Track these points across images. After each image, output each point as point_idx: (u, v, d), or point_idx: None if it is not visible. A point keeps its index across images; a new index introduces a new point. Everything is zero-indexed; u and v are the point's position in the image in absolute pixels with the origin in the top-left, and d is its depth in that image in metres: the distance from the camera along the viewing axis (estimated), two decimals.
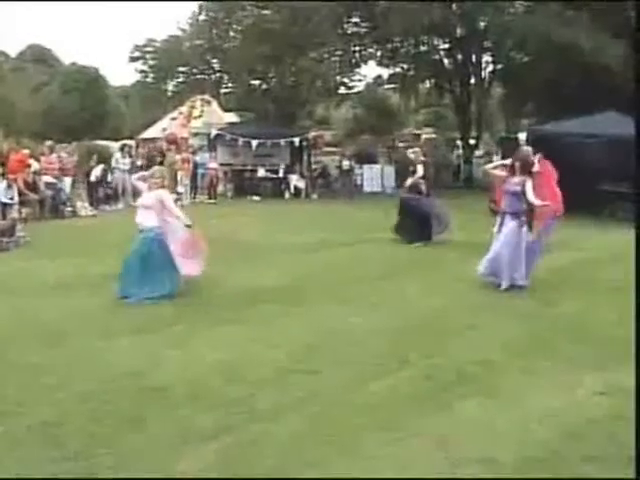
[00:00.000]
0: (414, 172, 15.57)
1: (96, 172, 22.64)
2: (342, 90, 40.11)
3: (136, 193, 13.04)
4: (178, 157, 25.26)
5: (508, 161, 11.72)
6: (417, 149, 16.72)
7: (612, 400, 6.04)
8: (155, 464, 4.88)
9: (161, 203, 9.77)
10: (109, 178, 23.11)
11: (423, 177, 15.44)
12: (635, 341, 6.06)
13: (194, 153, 26.92)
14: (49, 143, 22.53)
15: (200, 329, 8.22)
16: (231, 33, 37.22)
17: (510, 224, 10.40)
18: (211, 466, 4.87)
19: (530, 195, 10.45)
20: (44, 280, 10.83)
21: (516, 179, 10.48)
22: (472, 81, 34.41)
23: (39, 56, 67.15)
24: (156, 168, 10.31)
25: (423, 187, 15.38)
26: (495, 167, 11.78)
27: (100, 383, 6.37)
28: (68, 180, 21.36)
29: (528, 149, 11.25)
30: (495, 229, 10.69)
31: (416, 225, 14.97)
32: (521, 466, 4.90)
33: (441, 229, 15.15)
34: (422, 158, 15.82)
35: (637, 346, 5.95)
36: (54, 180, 20.72)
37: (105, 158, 24.33)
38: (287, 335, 7.99)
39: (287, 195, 27.57)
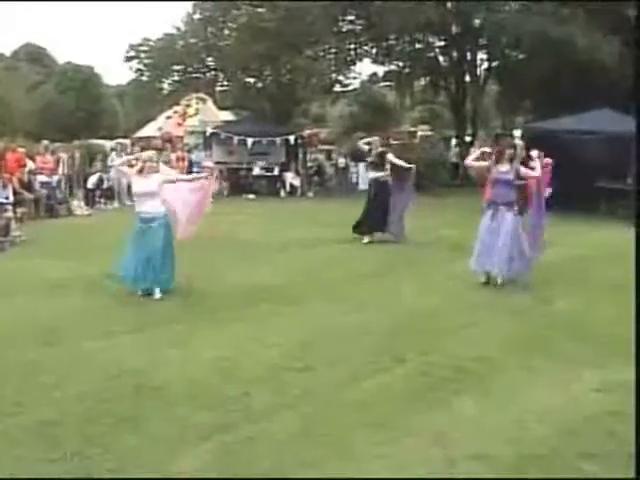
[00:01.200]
0: (374, 164, 15.05)
1: (93, 179, 22.71)
2: (337, 88, 40.02)
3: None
4: (173, 155, 25.24)
5: (487, 149, 11.65)
6: (375, 138, 15.98)
7: (610, 397, 6.06)
8: (152, 463, 4.88)
9: (164, 184, 9.72)
10: (105, 185, 23.11)
11: (391, 169, 14.89)
12: (635, 339, 6.06)
13: (189, 152, 26.91)
14: (45, 142, 22.53)
15: (197, 328, 8.22)
16: (226, 31, 37.11)
17: (507, 216, 10.30)
18: (208, 465, 4.88)
19: (528, 171, 10.52)
20: (41, 279, 10.81)
21: (506, 166, 10.39)
22: (467, 78, 34.42)
23: (34, 55, 67.04)
24: (151, 153, 10.23)
25: (389, 180, 14.87)
26: (476, 158, 11.57)
27: (98, 382, 6.37)
28: (54, 178, 21.34)
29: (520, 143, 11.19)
30: (486, 221, 10.54)
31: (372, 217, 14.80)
32: (518, 463, 4.91)
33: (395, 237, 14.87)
34: (382, 148, 15.14)
35: (637, 344, 5.94)
36: (49, 179, 20.74)
37: (105, 156, 24.38)
38: (282, 333, 7.99)
39: (283, 193, 27.52)
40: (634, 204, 17.14)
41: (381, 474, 4.77)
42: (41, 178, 20.39)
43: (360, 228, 15.00)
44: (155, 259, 9.51)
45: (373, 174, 15.22)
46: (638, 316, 6.31)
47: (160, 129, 31.78)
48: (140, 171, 9.72)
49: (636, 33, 15.59)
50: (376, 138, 15.67)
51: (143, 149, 26.75)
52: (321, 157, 31.12)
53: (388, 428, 5.43)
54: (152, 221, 9.58)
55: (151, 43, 42.31)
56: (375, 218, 14.83)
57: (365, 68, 79.04)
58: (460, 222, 16.00)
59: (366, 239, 14.77)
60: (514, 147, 10.84)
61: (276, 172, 28.03)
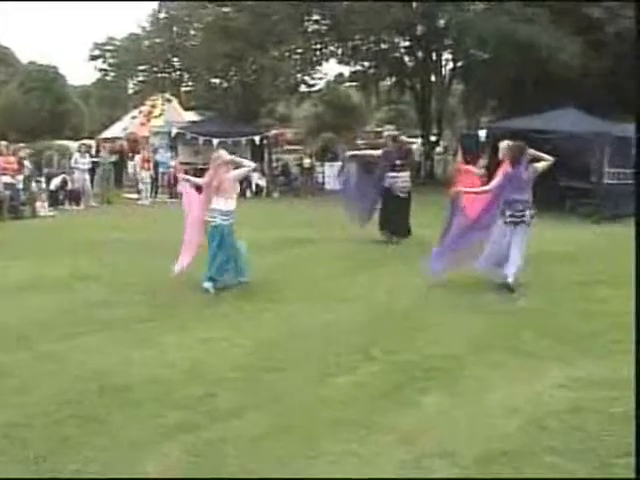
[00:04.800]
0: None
1: (56, 182, 22.53)
2: (303, 88, 40.05)
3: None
4: (138, 157, 25.12)
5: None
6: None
7: (574, 393, 6.10)
8: (120, 465, 4.84)
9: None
10: (69, 186, 22.93)
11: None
12: (635, 335, 6.09)
13: (154, 152, 26.79)
14: (4, 143, 22.26)
15: (165, 327, 8.16)
16: (191, 31, 37.08)
17: None
18: (175, 466, 4.85)
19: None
20: (4, 282, 10.70)
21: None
22: (433, 79, 34.67)
23: None
24: (221, 152, 10.69)
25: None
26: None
27: (63, 384, 6.30)
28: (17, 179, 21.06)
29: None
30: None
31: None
32: (486, 459, 4.92)
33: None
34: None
35: (637, 341, 5.98)
36: (12, 180, 20.49)
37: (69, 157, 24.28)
38: (252, 332, 7.97)
39: (248, 193, 27.47)
40: (597, 202, 17.35)
41: (349, 472, 4.77)
42: (4, 179, 20.16)
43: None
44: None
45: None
46: (637, 313, 6.35)
47: (125, 129, 31.63)
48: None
49: (637, 41, 15.72)
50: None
51: (111, 149, 26.80)
52: (287, 157, 31.23)
53: (357, 426, 5.43)
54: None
55: (116, 42, 42.15)
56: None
57: (331, 68, 79.13)
58: (430, 220, 16.02)
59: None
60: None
61: None
